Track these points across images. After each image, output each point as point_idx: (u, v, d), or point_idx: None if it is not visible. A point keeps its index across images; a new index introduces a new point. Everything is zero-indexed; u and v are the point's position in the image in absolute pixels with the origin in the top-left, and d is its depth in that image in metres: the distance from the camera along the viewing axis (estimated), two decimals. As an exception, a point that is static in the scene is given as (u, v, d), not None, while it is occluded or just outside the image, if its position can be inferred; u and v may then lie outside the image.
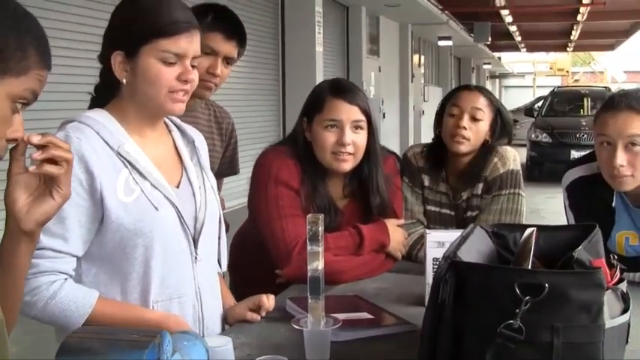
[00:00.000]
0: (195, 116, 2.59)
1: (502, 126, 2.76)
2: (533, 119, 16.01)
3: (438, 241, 2.16)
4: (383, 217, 2.52)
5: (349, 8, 13.23)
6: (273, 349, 1.70)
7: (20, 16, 1.26)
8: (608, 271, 1.47)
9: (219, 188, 2.75)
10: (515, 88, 42.91)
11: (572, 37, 24.12)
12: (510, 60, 38.72)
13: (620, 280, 1.51)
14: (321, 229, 1.72)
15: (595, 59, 39.20)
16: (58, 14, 5.37)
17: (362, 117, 2.41)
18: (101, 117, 1.76)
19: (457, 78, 27.26)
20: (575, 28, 21.49)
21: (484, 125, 2.71)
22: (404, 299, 2.19)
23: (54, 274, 1.68)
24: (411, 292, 2.24)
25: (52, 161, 1.33)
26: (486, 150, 2.75)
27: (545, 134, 14.24)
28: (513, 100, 33.16)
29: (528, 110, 18.48)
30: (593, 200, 2.36)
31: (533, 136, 14.49)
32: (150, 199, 1.74)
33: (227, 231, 2.60)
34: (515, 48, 29.16)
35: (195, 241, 1.84)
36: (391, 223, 2.52)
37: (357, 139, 2.40)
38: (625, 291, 1.52)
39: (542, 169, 14.07)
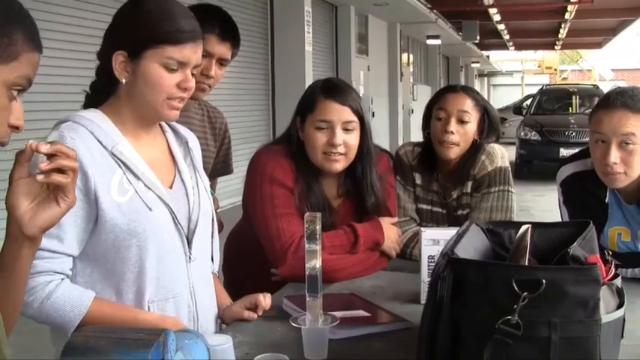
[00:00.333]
0: (188, 116, 2.59)
1: (489, 124, 2.78)
2: (522, 117, 16.06)
3: (433, 239, 2.17)
4: (377, 216, 2.53)
5: (338, 7, 13.24)
6: (271, 348, 1.70)
7: (3, 3, 1.26)
8: (603, 266, 1.48)
9: (213, 188, 2.76)
10: (503, 87, 43.03)
11: (560, 35, 24.16)
12: (499, 58, 38.78)
13: (615, 276, 1.53)
14: (318, 227, 1.73)
15: (583, 57, 39.32)
16: (47, 14, 5.35)
17: (353, 118, 2.42)
18: (95, 117, 1.77)
19: (446, 77, 27.29)
20: (563, 26, 21.52)
21: (472, 127, 2.73)
22: (399, 297, 2.21)
23: (50, 274, 1.68)
24: (406, 289, 2.26)
25: (59, 170, 1.34)
26: (475, 149, 2.76)
27: (534, 132, 14.28)
28: (502, 98, 33.27)
29: (517, 108, 18.53)
30: (586, 196, 2.39)
31: (522, 134, 14.54)
32: (143, 200, 1.74)
33: (221, 230, 2.60)
34: (503, 46, 29.20)
35: (189, 241, 1.84)
36: (385, 222, 2.53)
37: (348, 140, 2.41)
38: (620, 286, 1.53)
39: (531, 167, 14.12)
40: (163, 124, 1.93)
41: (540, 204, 10.35)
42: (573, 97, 16.67)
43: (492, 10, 17.27)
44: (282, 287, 2.31)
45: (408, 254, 2.66)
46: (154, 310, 1.78)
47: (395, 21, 16.58)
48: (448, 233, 1.98)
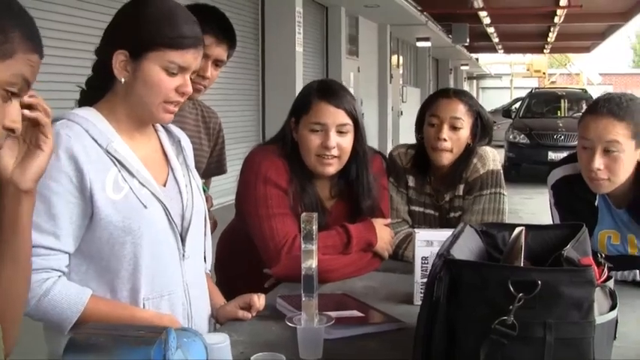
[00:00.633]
0: (183, 116, 2.60)
1: (482, 128, 2.79)
2: (510, 120, 16.12)
3: (427, 240, 2.18)
4: (370, 217, 2.54)
5: (329, 9, 13.25)
6: (266, 347, 1.71)
7: (1, 5, 1.25)
8: (596, 268, 1.50)
9: (207, 187, 2.76)
10: (492, 90, 43.08)
11: (549, 39, 24.27)
12: (488, 61, 38.85)
13: (608, 278, 1.55)
14: (315, 227, 1.74)
15: (571, 61, 39.48)
16: (41, 12, 5.34)
17: (347, 120, 2.42)
18: (90, 115, 1.77)
19: (435, 79, 27.34)
20: (552, 30, 21.62)
21: (464, 132, 2.73)
22: (392, 298, 2.22)
23: (47, 271, 1.68)
24: (399, 290, 2.27)
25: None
26: (468, 152, 2.77)
27: (522, 135, 14.34)
28: (491, 101, 33.29)
29: (506, 111, 18.60)
30: (577, 199, 2.41)
31: (511, 137, 14.59)
32: (138, 197, 1.75)
33: (214, 229, 2.61)
34: (492, 49, 29.28)
35: (183, 239, 1.85)
36: (378, 223, 2.54)
37: (342, 142, 2.42)
38: (612, 288, 1.55)
39: (519, 169, 14.17)
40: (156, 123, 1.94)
41: (529, 207, 10.40)
42: (562, 101, 16.75)
43: (482, 13, 17.34)
44: (276, 287, 2.32)
45: (400, 255, 2.67)
46: (149, 307, 1.78)
47: (385, 23, 16.60)
48: (441, 235, 2.00)
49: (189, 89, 1.80)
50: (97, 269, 1.75)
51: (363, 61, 14.98)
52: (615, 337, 1.53)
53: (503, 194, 2.78)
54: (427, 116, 2.78)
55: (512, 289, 1.32)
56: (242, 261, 2.55)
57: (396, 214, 2.79)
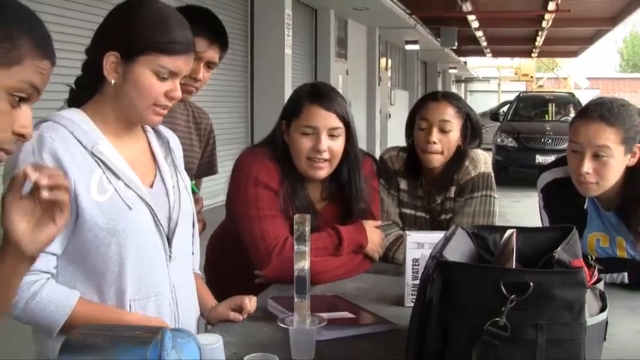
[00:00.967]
0: (173, 117, 2.60)
1: (472, 130, 2.80)
2: (498, 124, 16.16)
3: (418, 242, 2.19)
4: (361, 219, 2.55)
5: (318, 11, 13.26)
6: (258, 348, 1.72)
7: (8, 8, 1.24)
8: (587, 270, 1.51)
9: (198, 188, 2.76)
10: (480, 93, 43.20)
11: (536, 43, 24.36)
12: (476, 65, 39.01)
13: (598, 280, 1.56)
14: (308, 229, 1.75)
15: (559, 65, 39.64)
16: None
17: (339, 124, 2.43)
18: (76, 117, 1.77)
19: (423, 82, 27.42)
20: (540, 34, 21.70)
21: (454, 135, 2.74)
22: (383, 299, 2.23)
23: (35, 273, 1.68)
24: (390, 292, 2.28)
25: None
26: (459, 155, 2.78)
27: (510, 139, 14.38)
28: (479, 104, 33.34)
29: (494, 115, 18.66)
30: (566, 202, 2.42)
31: (498, 140, 14.63)
32: (123, 199, 1.75)
33: (203, 230, 2.61)
34: (480, 53, 29.38)
35: (170, 240, 1.85)
36: (369, 225, 2.55)
37: (333, 146, 2.42)
38: (602, 290, 1.57)
39: (507, 173, 14.21)
40: None
41: (516, 210, 10.43)
42: (550, 105, 16.82)
43: (471, 17, 17.40)
44: (267, 288, 2.32)
45: (391, 257, 2.68)
46: (136, 308, 1.78)
47: (374, 25, 16.63)
48: (433, 237, 2.01)
49: (179, 94, 1.80)
50: (83, 271, 1.75)
51: (351, 63, 15.01)
52: (605, 339, 1.54)
53: (494, 197, 2.79)
54: (417, 120, 2.78)
55: (504, 290, 1.33)
56: (232, 262, 2.55)
57: (387, 217, 2.80)
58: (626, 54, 57.28)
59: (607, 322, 1.54)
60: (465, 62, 33.98)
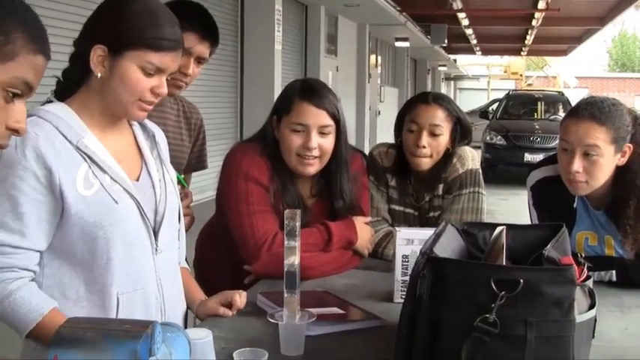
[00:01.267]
0: (164, 111, 2.59)
1: (462, 133, 2.78)
2: (487, 122, 16.20)
3: (407, 239, 2.19)
4: (344, 216, 2.54)
5: (308, 7, 13.27)
6: (247, 343, 1.71)
7: (3, 1, 1.23)
8: (576, 268, 1.52)
9: (187, 183, 2.76)
10: (469, 91, 43.32)
11: (526, 42, 24.46)
12: (465, 62, 39.07)
13: (587, 278, 1.57)
14: (298, 224, 1.75)
15: (548, 64, 39.76)
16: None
17: (329, 122, 2.42)
18: (61, 111, 1.76)
19: (413, 79, 27.45)
20: (529, 32, 21.79)
21: (444, 138, 2.72)
22: (373, 295, 2.23)
23: (13, 270, 1.67)
24: (379, 288, 2.28)
25: None
26: (447, 156, 2.77)
27: (499, 137, 14.40)
28: (468, 102, 33.50)
29: (483, 113, 18.68)
30: (555, 200, 2.43)
31: (487, 138, 14.66)
32: (109, 193, 1.74)
33: (191, 224, 2.60)
34: (470, 51, 29.47)
35: (156, 234, 1.85)
36: (359, 221, 2.55)
37: (323, 143, 2.42)
38: (591, 288, 1.58)
39: (495, 171, 14.24)
40: None
41: (504, 207, 10.46)
42: (539, 103, 16.86)
43: (461, 15, 17.45)
44: (256, 283, 2.32)
45: (380, 254, 2.68)
46: (124, 301, 1.77)
47: (364, 22, 16.65)
48: (422, 233, 2.02)
49: (165, 91, 1.80)
50: (69, 264, 1.74)
51: (341, 60, 15.03)
52: (594, 336, 1.55)
53: (482, 193, 2.79)
54: (406, 121, 2.76)
55: (494, 287, 1.34)
56: (222, 257, 2.55)
57: (376, 213, 2.79)
58: (614, 54, 57.54)
59: (596, 320, 1.54)
60: (455, 60, 34.05)
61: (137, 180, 1.85)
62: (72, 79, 1.82)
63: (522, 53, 30.50)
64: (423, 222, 2.81)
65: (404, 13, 16.36)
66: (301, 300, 1.79)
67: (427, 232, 1.70)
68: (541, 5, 15.87)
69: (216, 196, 2.56)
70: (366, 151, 2.91)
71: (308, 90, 2.45)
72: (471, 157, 2.80)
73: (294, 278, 1.75)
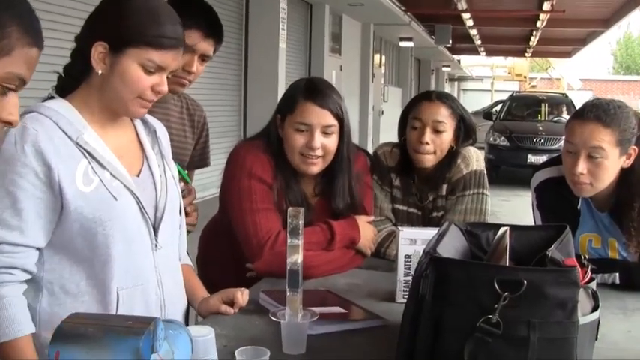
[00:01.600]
0: (167, 108, 2.59)
1: (466, 131, 2.78)
2: (491, 123, 16.18)
3: (410, 239, 2.19)
4: (344, 215, 2.54)
5: (313, 6, 13.26)
6: (249, 341, 1.71)
7: None
8: (580, 269, 1.52)
9: (191, 180, 2.75)
10: (473, 92, 43.28)
11: (530, 43, 24.41)
12: (469, 63, 39.02)
13: (591, 279, 1.57)
14: (301, 222, 1.75)
15: (552, 66, 39.70)
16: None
17: (333, 122, 2.41)
18: (61, 107, 1.76)
19: (417, 79, 27.44)
20: (534, 34, 21.74)
21: (447, 136, 2.72)
22: (375, 295, 2.23)
23: (10, 272, 1.67)
24: (382, 288, 2.28)
25: None
26: (451, 155, 2.76)
27: (503, 138, 14.38)
28: (472, 103, 33.41)
29: (487, 114, 18.65)
30: (559, 202, 2.42)
31: (491, 139, 14.64)
32: (109, 189, 1.74)
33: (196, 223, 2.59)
34: (474, 52, 29.42)
35: (156, 230, 1.85)
36: (361, 220, 2.54)
37: (327, 143, 2.41)
38: (595, 289, 1.57)
39: (499, 172, 14.22)
40: None
41: (507, 209, 10.45)
42: (542, 105, 16.84)
43: (465, 15, 17.42)
44: (258, 281, 2.32)
45: (382, 253, 2.68)
46: (124, 297, 1.77)
47: (369, 22, 16.64)
48: (425, 233, 2.02)
49: (165, 89, 1.80)
50: (70, 259, 1.75)
51: (345, 59, 15.02)
52: (597, 338, 1.55)
53: (486, 195, 2.78)
54: (410, 119, 2.76)
55: (497, 287, 1.33)
56: (225, 255, 2.55)
57: (380, 212, 2.79)
58: (619, 56, 57.44)
59: (599, 322, 1.54)
60: (459, 60, 34.01)
61: (138, 176, 1.85)
62: (73, 75, 1.83)
63: (527, 55, 30.45)
64: (426, 222, 2.80)
65: (408, 13, 16.34)
66: (303, 299, 1.79)
67: (430, 232, 1.69)
68: (546, 7, 15.84)
69: (220, 193, 2.56)
70: (369, 151, 2.91)
71: (312, 89, 2.44)
72: (476, 158, 2.79)
73: (297, 277, 1.75)
